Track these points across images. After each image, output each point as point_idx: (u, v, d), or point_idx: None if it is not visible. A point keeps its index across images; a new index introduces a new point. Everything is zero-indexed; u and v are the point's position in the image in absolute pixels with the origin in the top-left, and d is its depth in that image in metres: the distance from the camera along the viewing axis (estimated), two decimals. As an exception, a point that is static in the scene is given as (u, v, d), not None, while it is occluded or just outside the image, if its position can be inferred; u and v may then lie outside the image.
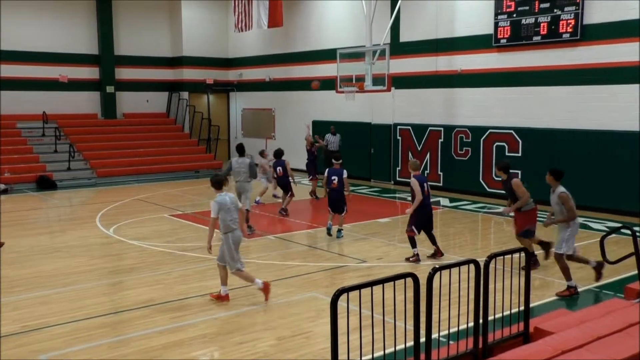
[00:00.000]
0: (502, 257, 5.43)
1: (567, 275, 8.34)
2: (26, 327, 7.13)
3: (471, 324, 5.11)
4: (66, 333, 6.97)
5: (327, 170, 11.91)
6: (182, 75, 25.74)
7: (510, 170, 9.86)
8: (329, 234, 11.94)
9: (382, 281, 4.58)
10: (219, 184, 8.14)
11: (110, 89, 24.50)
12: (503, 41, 15.88)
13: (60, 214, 16.17)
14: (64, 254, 10.90)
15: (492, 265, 5.20)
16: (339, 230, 11.86)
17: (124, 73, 24.84)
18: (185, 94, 25.83)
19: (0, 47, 21.82)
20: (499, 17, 15.84)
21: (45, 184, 19.69)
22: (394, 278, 4.61)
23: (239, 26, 22.84)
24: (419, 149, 18.27)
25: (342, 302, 4.29)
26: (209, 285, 8.75)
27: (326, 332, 6.45)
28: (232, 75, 26.64)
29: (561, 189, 8.32)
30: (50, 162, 20.96)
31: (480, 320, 5.08)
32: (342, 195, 11.59)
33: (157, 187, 19.34)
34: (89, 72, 24.23)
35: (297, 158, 19.54)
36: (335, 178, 11.51)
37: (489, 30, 16.19)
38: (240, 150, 12.50)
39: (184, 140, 25.10)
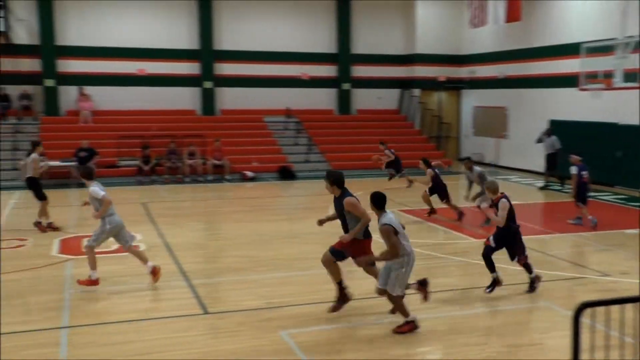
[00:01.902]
0: None
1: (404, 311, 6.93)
2: (270, 304, 7.81)
3: None
4: (304, 313, 7.50)
5: (575, 167, 12.63)
6: (414, 72, 26.01)
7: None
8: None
9: (636, 299, 4.18)
10: (91, 175, 8.74)
11: (345, 86, 25.71)
12: None
13: (298, 203, 17.42)
14: (301, 240, 11.70)
15: None
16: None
17: (359, 71, 25.86)
18: (416, 91, 26.08)
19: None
20: None
21: (286, 174, 21.33)
22: (648, 296, 4.18)
23: (474, 22, 22.41)
24: (676, 153, 16.27)
25: (583, 318, 4.00)
26: (438, 283, 8.75)
27: (561, 347, 6.08)
28: (463, 72, 26.24)
29: (384, 219, 6.69)
30: (291, 154, 22.66)
31: None
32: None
33: (387, 181, 19.82)
34: (327, 70, 25.67)
35: (531, 159, 18.57)
36: (585, 172, 12.59)
37: None
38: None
39: (414, 137, 25.38)
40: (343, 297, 7.44)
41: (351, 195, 7.30)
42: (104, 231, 8.48)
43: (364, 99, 26.14)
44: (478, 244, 11.34)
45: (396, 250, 6.60)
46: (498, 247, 8.06)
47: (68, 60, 22.59)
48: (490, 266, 8.11)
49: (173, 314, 7.28)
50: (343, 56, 25.59)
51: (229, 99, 24.57)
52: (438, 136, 25.35)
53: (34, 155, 12.64)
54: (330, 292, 8.35)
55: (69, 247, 10.79)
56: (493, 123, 24.47)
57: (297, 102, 24.92)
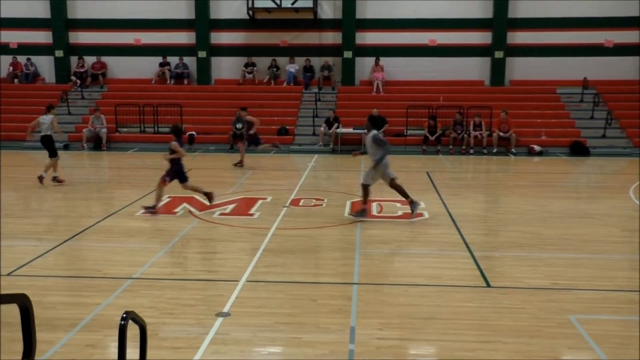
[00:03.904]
0: None
1: None
2: (556, 284, 7.41)
3: None
4: (594, 299, 6.96)
5: None
6: None
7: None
8: None
9: None
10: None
11: (658, 53, 22.85)
12: None
13: (590, 181, 16.13)
14: (595, 220, 10.83)
15: None
16: None
17: (677, 35, 22.75)
18: None
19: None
20: None
21: (579, 149, 19.87)
22: None
23: None
24: None
25: None
26: None
27: None
28: None
29: None
30: (586, 128, 21.00)
31: None
32: None
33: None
34: (632, 36, 23.04)
35: None
36: None
37: None
38: None
39: None
40: None
41: None
42: None
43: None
44: None
45: None
46: None
47: (365, 33, 23.92)
48: None
49: (456, 283, 7.36)
50: (654, 19, 22.70)
51: (520, 69, 23.63)
52: None
53: (52, 117, 14.22)
54: (624, 280, 7.63)
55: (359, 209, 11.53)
56: None
57: (597, 72, 22.94)
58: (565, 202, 12.46)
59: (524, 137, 20.39)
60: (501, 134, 20.25)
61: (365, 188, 10.69)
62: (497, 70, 23.62)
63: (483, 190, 14.75)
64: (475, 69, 23.82)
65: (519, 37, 23.45)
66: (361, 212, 10.68)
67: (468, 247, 8.92)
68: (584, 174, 16.99)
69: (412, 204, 10.61)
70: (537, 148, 19.92)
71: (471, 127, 20.53)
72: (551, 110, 22.00)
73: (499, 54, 23.48)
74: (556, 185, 15.21)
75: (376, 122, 10.72)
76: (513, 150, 20.10)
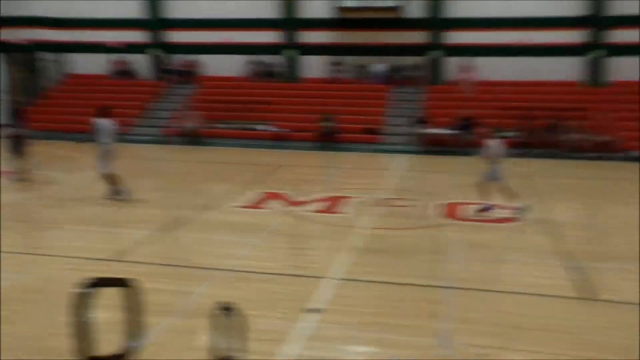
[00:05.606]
0: None
1: None
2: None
3: None
4: None
5: None
6: None
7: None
8: None
9: None
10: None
11: None
12: None
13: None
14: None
15: None
16: None
17: None
18: None
19: None
20: None
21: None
22: None
23: None
24: None
25: None
26: None
27: None
28: None
29: None
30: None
31: None
32: None
33: None
34: None
35: None
36: None
37: None
38: None
39: None
40: None
41: None
42: None
43: None
44: None
45: None
46: None
47: (453, 32, 23.47)
48: None
49: (554, 293, 6.98)
50: None
51: (622, 68, 22.35)
52: None
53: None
54: None
55: (450, 211, 11.24)
56: None
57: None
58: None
59: (626, 142, 19.31)
60: (600, 138, 19.24)
61: (106, 177, 11.59)
62: (595, 70, 22.49)
63: (584, 197, 14.00)
64: (571, 68, 22.77)
65: (619, 35, 22.23)
66: (117, 192, 11.56)
67: (570, 256, 8.48)
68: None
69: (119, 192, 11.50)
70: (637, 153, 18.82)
71: (568, 130, 19.63)
72: (628, 113, 20.65)
73: (597, 53, 22.35)
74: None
75: (105, 113, 11.60)
76: (614, 155, 19.04)
